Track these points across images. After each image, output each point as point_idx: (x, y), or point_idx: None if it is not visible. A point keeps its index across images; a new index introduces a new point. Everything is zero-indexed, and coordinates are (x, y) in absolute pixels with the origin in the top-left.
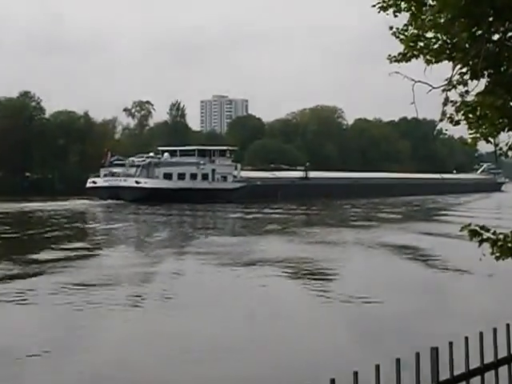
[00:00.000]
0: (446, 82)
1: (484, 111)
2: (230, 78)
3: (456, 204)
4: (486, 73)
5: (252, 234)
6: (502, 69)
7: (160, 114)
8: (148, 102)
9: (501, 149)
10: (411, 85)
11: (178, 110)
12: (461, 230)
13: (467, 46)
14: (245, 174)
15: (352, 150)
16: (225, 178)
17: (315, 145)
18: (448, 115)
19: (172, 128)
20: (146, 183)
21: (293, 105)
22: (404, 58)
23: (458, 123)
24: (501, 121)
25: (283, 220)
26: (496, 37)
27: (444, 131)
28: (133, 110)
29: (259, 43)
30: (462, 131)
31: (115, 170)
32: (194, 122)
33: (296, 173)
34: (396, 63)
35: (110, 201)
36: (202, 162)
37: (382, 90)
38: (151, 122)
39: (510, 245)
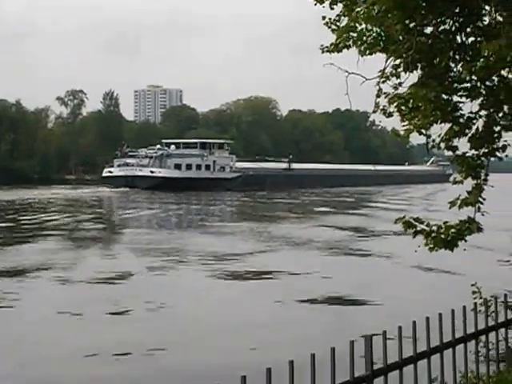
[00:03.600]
0: (380, 74)
1: (417, 103)
2: (164, 67)
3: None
4: (419, 65)
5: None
6: (435, 61)
7: (93, 104)
8: (81, 91)
9: (433, 140)
10: (345, 76)
11: (111, 100)
12: (395, 222)
13: (400, 38)
14: (238, 164)
15: (286, 140)
16: (223, 169)
17: (250, 135)
18: (381, 107)
19: (105, 118)
20: (160, 172)
21: (228, 95)
22: (336, 48)
23: (390, 115)
24: (433, 113)
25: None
26: (429, 30)
27: (377, 123)
28: (66, 99)
29: (195, 32)
30: (394, 123)
31: (129, 160)
32: (128, 111)
33: (280, 164)
34: (329, 54)
35: (123, 188)
36: (205, 154)
37: (318, 82)
38: (84, 112)
39: (442, 236)
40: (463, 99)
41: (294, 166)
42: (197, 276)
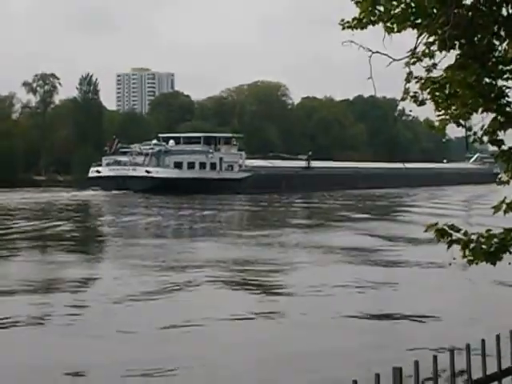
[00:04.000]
0: (410, 54)
1: (454, 89)
2: (152, 48)
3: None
4: (456, 43)
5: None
6: (476, 38)
7: (68, 90)
8: (53, 75)
9: (475, 133)
10: (368, 56)
11: (89, 85)
12: (426, 230)
13: (434, 10)
14: (248, 162)
15: (298, 134)
16: (231, 168)
17: (255, 128)
18: (412, 93)
19: (82, 107)
20: (158, 172)
21: (229, 81)
22: (360, 24)
23: (423, 103)
24: (473, 100)
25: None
26: (469, 0)
27: (408, 112)
28: (34, 85)
29: (187, 8)
30: (428, 112)
31: (120, 158)
32: (109, 99)
33: (297, 162)
34: (351, 30)
35: (115, 191)
36: (210, 151)
37: (336, 65)
38: (57, 100)
39: (484, 247)
40: (510, 83)
41: (314, 164)
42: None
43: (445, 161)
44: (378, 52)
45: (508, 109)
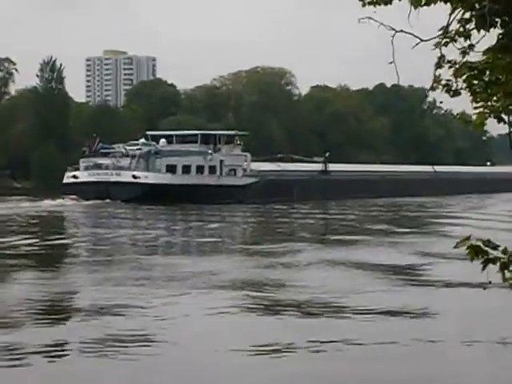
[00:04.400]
0: (441, 33)
1: (495, 75)
2: (128, 27)
3: None
4: (498, 20)
5: None
6: None
7: (27, 78)
8: (8, 60)
9: None
10: (390, 36)
11: (52, 72)
12: (456, 246)
13: None
14: (254, 166)
15: (306, 130)
16: (234, 172)
17: (254, 123)
18: (443, 81)
19: (44, 98)
20: (147, 178)
21: (222, 67)
22: None
23: (457, 93)
24: None
25: None
26: None
27: (439, 104)
28: None
29: None
30: (463, 105)
31: (101, 160)
32: (76, 88)
33: (311, 165)
34: (373, 7)
35: (95, 201)
36: (209, 152)
37: (350, 48)
38: (13, 89)
39: None
40: None
41: (332, 167)
42: None
43: (488, 163)
44: (402, 31)
45: None
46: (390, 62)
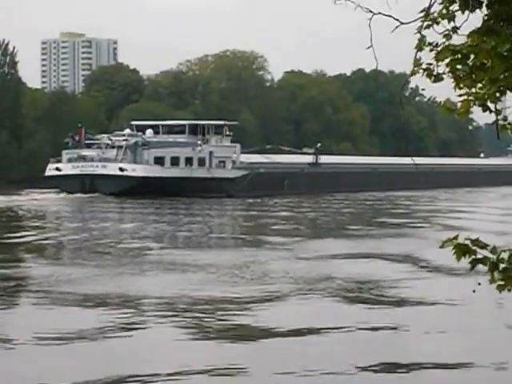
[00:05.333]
0: (422, 15)
1: (480, 60)
2: (86, 8)
3: None
4: (483, 1)
5: None
6: None
7: None
8: None
9: (505, 119)
10: (368, 19)
11: (4, 56)
12: (442, 246)
13: None
14: (244, 158)
15: (280, 118)
16: (223, 164)
17: (224, 111)
18: (425, 66)
19: None
20: (135, 170)
21: (189, 52)
22: None
23: (439, 78)
24: (507, 75)
25: None
26: None
27: (422, 92)
28: None
29: None
30: (447, 92)
31: (85, 152)
32: (31, 74)
33: (302, 157)
34: None
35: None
36: (199, 143)
37: (327, 31)
38: None
39: None
40: None
41: (323, 159)
42: None
43: (482, 155)
44: (380, 13)
45: None
46: (368, 47)
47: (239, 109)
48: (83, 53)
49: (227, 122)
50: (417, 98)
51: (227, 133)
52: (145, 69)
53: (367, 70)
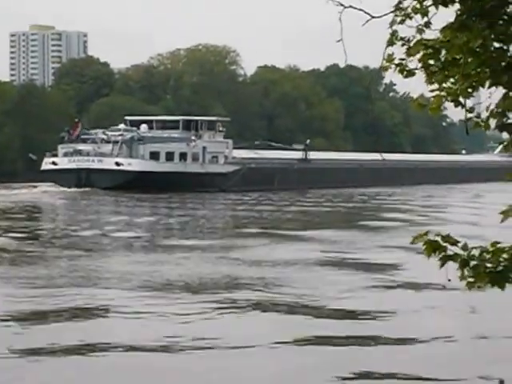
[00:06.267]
0: (395, 9)
1: (452, 55)
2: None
3: None
4: None
5: None
6: None
7: None
8: None
9: (478, 115)
10: (338, 12)
11: None
12: (413, 242)
13: None
14: (236, 153)
15: (252, 114)
16: (216, 159)
17: (195, 105)
18: (397, 61)
19: None
20: (131, 165)
21: (161, 45)
22: None
23: (411, 74)
24: (479, 71)
25: None
26: None
27: (396, 88)
28: None
29: None
30: (421, 87)
31: (81, 147)
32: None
33: (292, 153)
34: None
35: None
36: (193, 138)
37: (301, 26)
38: None
39: (489, 265)
40: None
41: (312, 155)
42: None
43: (464, 151)
44: (351, 6)
45: None
46: (338, 41)
47: (211, 104)
48: (53, 45)
49: (220, 118)
50: (391, 94)
51: (220, 129)
52: (115, 62)
53: (341, 66)
